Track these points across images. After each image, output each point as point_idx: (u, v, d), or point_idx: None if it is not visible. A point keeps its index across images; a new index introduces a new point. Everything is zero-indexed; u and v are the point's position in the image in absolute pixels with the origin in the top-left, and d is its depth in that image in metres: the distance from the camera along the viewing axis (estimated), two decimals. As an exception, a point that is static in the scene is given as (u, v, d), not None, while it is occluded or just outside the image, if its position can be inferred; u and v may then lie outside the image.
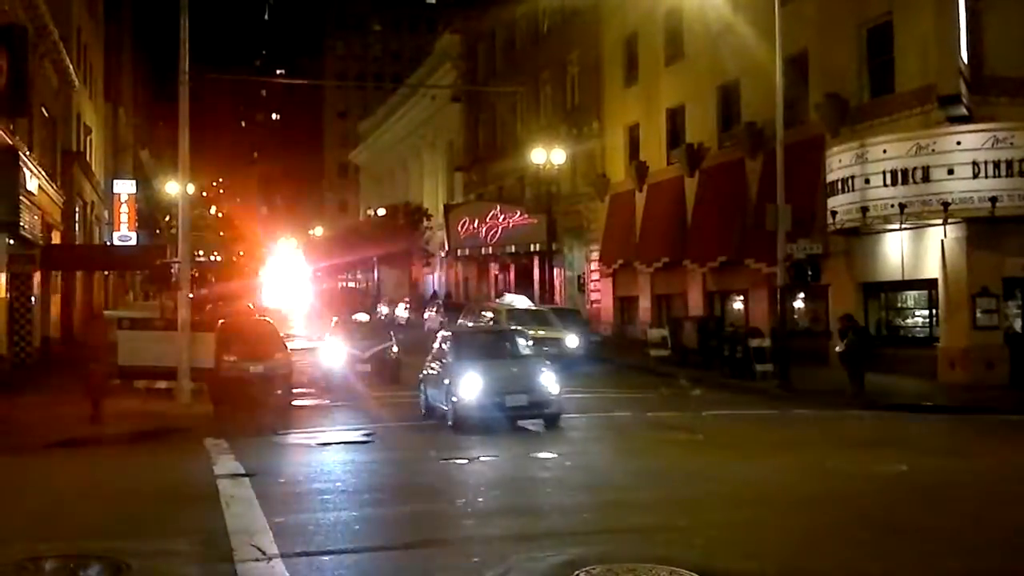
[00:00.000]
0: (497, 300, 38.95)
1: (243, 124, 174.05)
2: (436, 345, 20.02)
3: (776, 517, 10.33)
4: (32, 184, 25.34)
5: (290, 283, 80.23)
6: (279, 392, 20.85)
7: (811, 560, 8.68)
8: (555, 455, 14.80)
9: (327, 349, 25.10)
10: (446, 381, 17.61)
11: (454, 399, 17.04)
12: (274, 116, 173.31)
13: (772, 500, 11.26)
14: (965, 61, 23.09)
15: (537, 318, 30.51)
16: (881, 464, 13.44)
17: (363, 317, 26.71)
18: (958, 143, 22.29)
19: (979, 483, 12.30)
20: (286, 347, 23.56)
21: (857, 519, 10.16)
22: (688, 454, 14.79)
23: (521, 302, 35.62)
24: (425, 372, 19.66)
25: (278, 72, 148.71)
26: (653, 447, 15.65)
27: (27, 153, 25.22)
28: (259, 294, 72.25)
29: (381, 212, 73.51)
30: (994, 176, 21.80)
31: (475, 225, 50.17)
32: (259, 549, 8.87)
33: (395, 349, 25.15)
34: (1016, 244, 23.05)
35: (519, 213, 47.73)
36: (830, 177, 25.16)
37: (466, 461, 14.35)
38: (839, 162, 24.77)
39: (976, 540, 9.31)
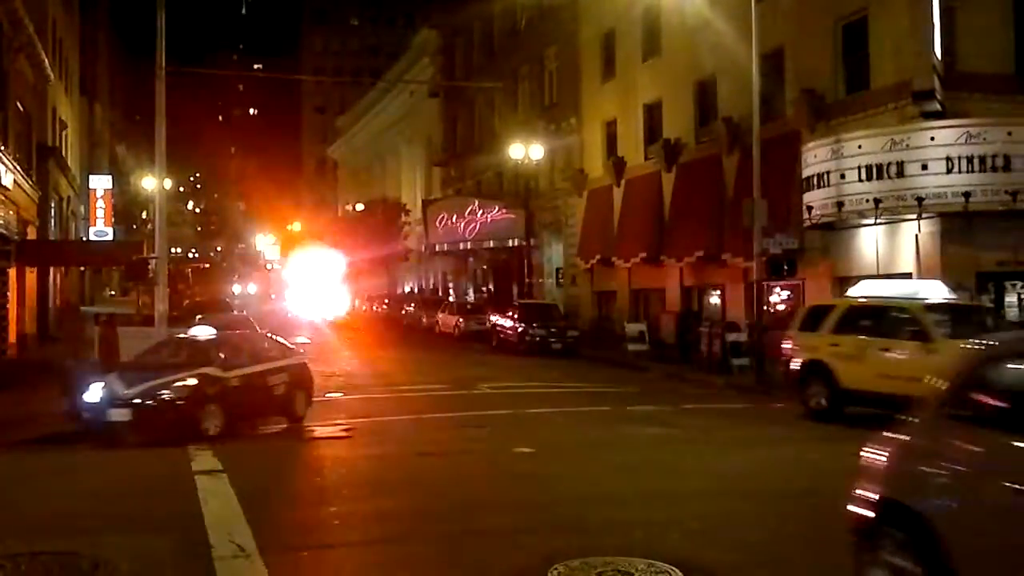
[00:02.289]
0: (849, 292, 20.12)
1: (220, 119, 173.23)
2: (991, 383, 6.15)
3: (754, 510, 10.41)
4: (7, 179, 25.18)
5: (322, 282, 66.72)
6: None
7: (790, 551, 8.76)
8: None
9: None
10: None
11: None
12: (252, 111, 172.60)
13: (750, 493, 11.34)
14: (939, 57, 23.28)
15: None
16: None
17: (203, 331, 18.13)
18: (932, 139, 22.45)
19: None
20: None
21: (837, 511, 10.23)
22: (665, 448, 14.86)
23: (932, 289, 18.08)
24: (947, 472, 6.06)
25: (256, 67, 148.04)
26: (629, 441, 15.72)
27: (2, 148, 25.03)
28: (280, 295, 68.39)
29: (360, 207, 73.35)
30: (967, 171, 21.98)
31: (453, 220, 50.20)
32: (238, 545, 8.87)
33: (190, 382, 15.48)
34: (989, 239, 23.25)
35: (497, 208, 47.77)
36: (806, 172, 25.32)
37: None
38: (815, 157, 24.92)
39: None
